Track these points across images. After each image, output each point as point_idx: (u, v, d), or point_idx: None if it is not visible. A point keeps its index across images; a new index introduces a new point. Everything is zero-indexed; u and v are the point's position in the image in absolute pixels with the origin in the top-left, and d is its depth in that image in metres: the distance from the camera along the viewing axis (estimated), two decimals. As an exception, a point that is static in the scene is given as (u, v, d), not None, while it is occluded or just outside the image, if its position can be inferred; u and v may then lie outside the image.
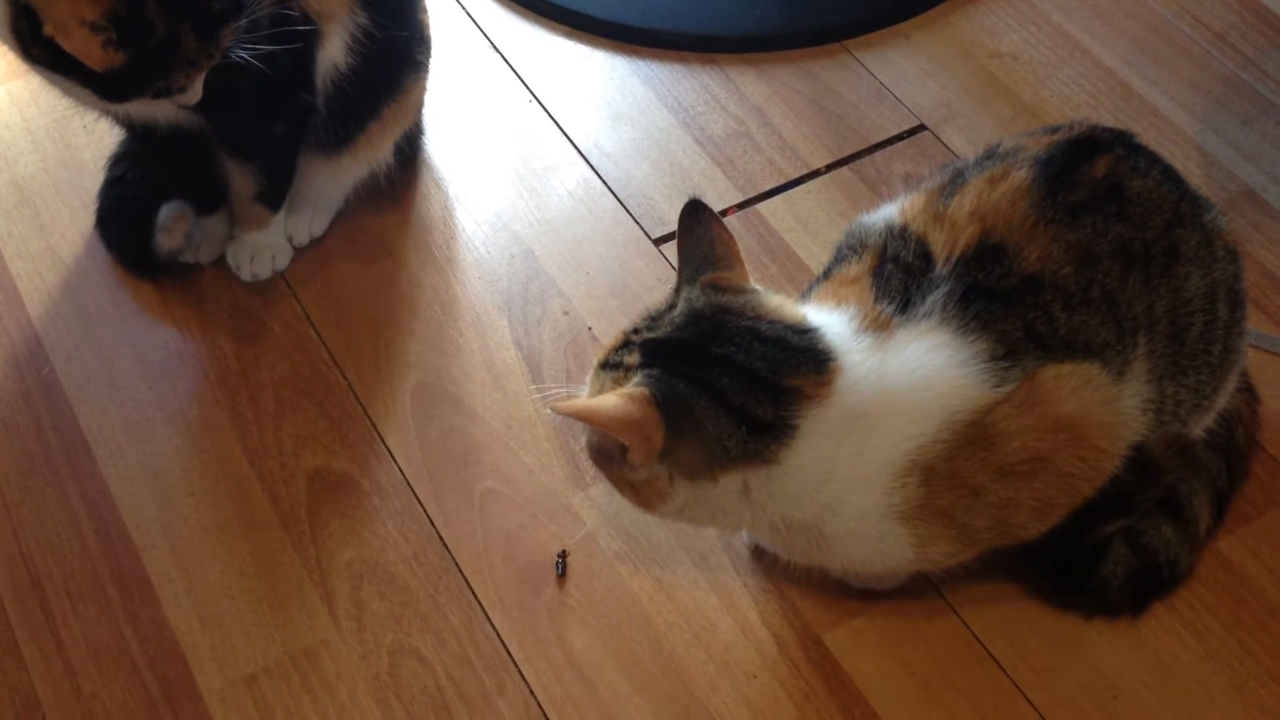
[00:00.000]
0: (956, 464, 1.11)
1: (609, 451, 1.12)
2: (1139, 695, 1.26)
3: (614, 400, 1.07)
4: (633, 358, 1.11)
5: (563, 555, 1.36)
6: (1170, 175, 1.27)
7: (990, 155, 1.27)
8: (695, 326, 1.12)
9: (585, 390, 1.15)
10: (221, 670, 1.29)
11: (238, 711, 1.27)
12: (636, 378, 1.09)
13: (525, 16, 1.88)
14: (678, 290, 1.16)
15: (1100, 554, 1.27)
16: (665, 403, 1.07)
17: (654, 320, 1.14)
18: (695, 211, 1.17)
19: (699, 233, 1.16)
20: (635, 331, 1.14)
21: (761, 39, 1.83)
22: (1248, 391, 1.39)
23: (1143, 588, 1.29)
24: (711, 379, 1.09)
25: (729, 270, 1.15)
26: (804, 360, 1.10)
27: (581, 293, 1.58)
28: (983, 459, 1.12)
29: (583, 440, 1.21)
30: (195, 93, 1.28)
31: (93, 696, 1.28)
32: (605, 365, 1.13)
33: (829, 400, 1.09)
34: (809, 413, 1.09)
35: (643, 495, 1.13)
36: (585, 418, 1.08)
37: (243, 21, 1.25)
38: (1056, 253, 1.16)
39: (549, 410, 1.17)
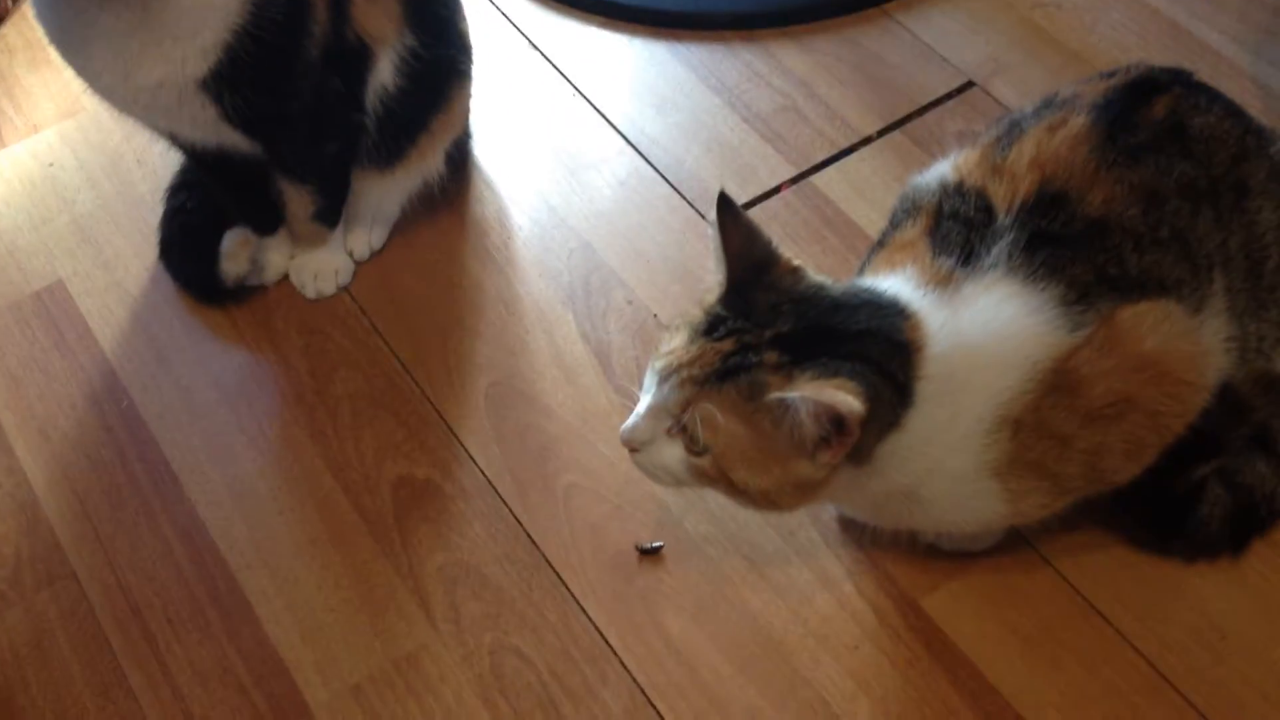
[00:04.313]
0: (1043, 414, 1.10)
1: (777, 451, 1.04)
2: (1247, 634, 1.25)
3: (847, 397, 0.99)
4: (771, 356, 1.04)
5: (641, 548, 1.36)
6: (1232, 110, 1.25)
7: (1047, 104, 1.26)
8: (811, 310, 1.07)
9: (646, 398, 1.10)
10: (326, 683, 1.31)
11: (346, 722, 1.29)
12: (808, 373, 1.02)
13: (561, 11, 1.89)
14: (731, 283, 1.09)
15: (1196, 496, 1.26)
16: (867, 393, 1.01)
17: (740, 316, 1.07)
18: (728, 206, 1.11)
19: (742, 224, 1.11)
20: (721, 333, 1.06)
21: (800, 10, 1.82)
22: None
23: (1241, 526, 1.28)
24: (872, 354, 1.04)
25: (781, 254, 1.12)
26: (897, 311, 1.08)
27: (643, 281, 1.58)
28: (1069, 406, 1.11)
29: (660, 458, 1.11)
30: None
31: (204, 719, 1.30)
32: (722, 375, 1.05)
33: (926, 353, 1.07)
34: (922, 369, 1.06)
35: (798, 494, 1.07)
36: (840, 415, 1.00)
37: None
38: (1121, 195, 1.15)
39: (792, 395, 1.01)
